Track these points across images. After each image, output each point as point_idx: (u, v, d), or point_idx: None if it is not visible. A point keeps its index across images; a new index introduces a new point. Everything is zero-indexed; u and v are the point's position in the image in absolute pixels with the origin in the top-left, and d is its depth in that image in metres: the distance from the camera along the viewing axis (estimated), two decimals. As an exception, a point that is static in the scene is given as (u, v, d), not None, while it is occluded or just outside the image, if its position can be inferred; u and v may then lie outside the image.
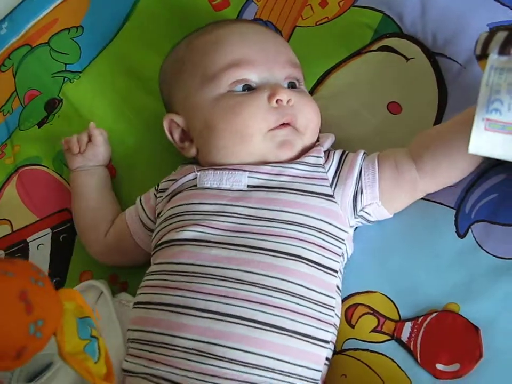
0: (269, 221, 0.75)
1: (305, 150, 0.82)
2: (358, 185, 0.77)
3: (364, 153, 0.80)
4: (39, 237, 1.02)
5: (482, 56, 0.65)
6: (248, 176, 0.78)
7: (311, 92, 0.93)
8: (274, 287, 0.71)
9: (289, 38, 0.98)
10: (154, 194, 0.87)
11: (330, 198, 0.77)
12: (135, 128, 1.03)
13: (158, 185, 0.88)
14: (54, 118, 1.08)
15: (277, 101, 0.79)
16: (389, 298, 0.80)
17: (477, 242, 0.78)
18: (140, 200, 0.89)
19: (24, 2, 1.19)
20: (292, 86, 0.84)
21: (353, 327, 0.80)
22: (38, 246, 1.01)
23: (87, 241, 0.95)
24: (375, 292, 0.81)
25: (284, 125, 0.79)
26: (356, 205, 0.78)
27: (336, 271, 0.77)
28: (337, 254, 0.77)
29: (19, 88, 1.13)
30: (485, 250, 0.77)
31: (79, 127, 1.04)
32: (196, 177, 0.81)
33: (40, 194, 1.05)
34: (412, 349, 0.76)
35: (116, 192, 1.00)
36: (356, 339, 0.80)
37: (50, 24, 1.15)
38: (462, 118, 0.75)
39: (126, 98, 1.05)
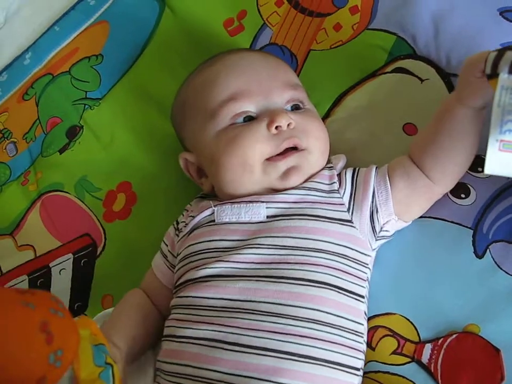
0: (292, 249, 0.75)
1: (317, 171, 0.82)
2: (373, 204, 0.77)
3: (376, 168, 0.80)
4: (61, 262, 1.03)
5: (493, 75, 0.65)
6: (266, 207, 0.78)
7: (327, 114, 0.94)
8: (302, 317, 0.71)
9: (304, 62, 0.98)
10: (176, 234, 0.87)
11: (349, 224, 0.77)
12: (154, 153, 1.04)
13: (177, 223, 0.88)
14: (75, 144, 1.10)
15: (276, 127, 0.79)
16: (409, 320, 0.80)
17: (495, 262, 0.77)
18: (165, 244, 0.89)
19: (47, 33, 1.21)
20: (296, 107, 0.84)
21: (373, 349, 0.80)
22: (60, 271, 1.02)
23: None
24: (394, 314, 0.80)
25: (286, 152, 0.79)
26: (374, 226, 0.77)
27: (363, 297, 0.76)
28: (363, 279, 0.77)
29: (41, 116, 1.15)
30: (504, 271, 0.77)
31: (99, 153, 1.07)
32: (213, 213, 0.81)
33: (62, 219, 1.07)
34: (432, 371, 0.76)
35: (139, 217, 1.02)
36: (377, 361, 0.80)
37: (71, 53, 1.17)
38: (443, 108, 0.78)
39: (145, 124, 1.06)
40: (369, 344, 0.80)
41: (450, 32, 0.89)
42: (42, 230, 1.06)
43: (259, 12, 1.04)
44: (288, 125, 0.79)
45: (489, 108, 0.63)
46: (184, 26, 1.09)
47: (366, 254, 0.78)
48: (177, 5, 1.11)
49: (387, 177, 0.78)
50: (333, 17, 0.98)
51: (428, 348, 0.78)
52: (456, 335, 0.76)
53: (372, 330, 0.80)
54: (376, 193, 0.78)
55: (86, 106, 1.12)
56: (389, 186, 0.78)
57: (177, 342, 0.76)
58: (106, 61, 1.13)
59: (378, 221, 0.77)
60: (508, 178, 0.75)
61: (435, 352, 0.77)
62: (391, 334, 0.80)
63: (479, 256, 0.78)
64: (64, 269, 1.02)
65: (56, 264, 1.03)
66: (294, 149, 0.80)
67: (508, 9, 0.87)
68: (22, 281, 1.04)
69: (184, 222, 0.85)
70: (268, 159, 0.79)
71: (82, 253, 1.02)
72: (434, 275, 0.80)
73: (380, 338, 0.80)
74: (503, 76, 0.63)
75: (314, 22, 1.00)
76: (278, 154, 0.79)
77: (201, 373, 0.71)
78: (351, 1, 0.98)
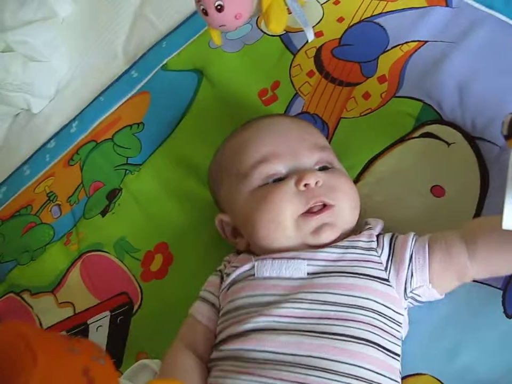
0: (333, 305, 0.75)
1: (349, 230, 0.83)
2: (409, 268, 0.77)
3: (414, 235, 0.81)
4: (99, 319, 1.04)
5: (509, 136, 0.68)
6: (307, 264, 0.79)
7: (357, 179, 0.96)
8: (345, 373, 0.71)
9: (335, 129, 1.01)
10: (221, 281, 0.87)
11: (386, 282, 0.78)
12: (190, 215, 1.06)
13: (221, 272, 0.88)
14: (115, 206, 1.13)
15: (305, 185, 0.81)
16: (440, 381, 0.79)
17: (525, 322, 0.77)
18: (209, 291, 0.88)
19: (92, 103, 1.29)
20: (324, 168, 0.86)
21: (405, 410, 0.79)
22: (97, 328, 1.04)
23: None
24: (424, 375, 0.80)
25: (317, 211, 0.81)
26: (406, 288, 0.78)
27: (398, 355, 0.76)
28: (398, 338, 0.77)
29: (85, 180, 1.20)
30: (534, 330, 0.76)
31: (138, 215, 1.10)
32: (253, 267, 0.82)
33: (101, 278, 1.09)
34: (464, 433, 0.75)
35: (175, 277, 1.03)
36: (409, 422, 0.78)
37: (114, 122, 1.23)
38: None
39: (182, 188, 1.09)
40: (400, 406, 0.79)
41: (474, 98, 0.92)
42: (82, 288, 1.09)
43: (292, 82, 1.09)
44: (316, 182, 0.82)
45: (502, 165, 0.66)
46: (221, 96, 1.14)
47: (399, 313, 0.78)
48: (214, 76, 1.17)
49: (427, 246, 0.78)
50: (362, 86, 1.03)
51: (459, 409, 0.76)
52: (488, 397, 0.75)
53: (403, 391, 0.80)
54: (413, 258, 0.78)
55: (127, 171, 1.16)
56: (427, 254, 0.77)
57: None
58: (147, 129, 1.19)
59: (411, 284, 0.77)
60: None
61: (466, 414, 0.76)
62: (422, 395, 0.79)
63: (509, 316, 0.78)
64: (101, 326, 1.04)
65: (94, 321, 1.05)
66: (323, 206, 0.82)
67: (528, 74, 0.90)
68: (61, 338, 1.06)
69: (227, 273, 0.86)
70: (300, 215, 0.81)
71: (119, 311, 1.04)
72: (464, 336, 0.80)
73: (412, 399, 0.79)
74: None
75: (344, 91, 1.04)
76: (310, 212, 0.81)
77: None
78: (379, 70, 1.02)
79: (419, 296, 0.79)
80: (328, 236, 0.81)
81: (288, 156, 0.85)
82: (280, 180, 0.84)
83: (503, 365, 0.76)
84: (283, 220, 0.81)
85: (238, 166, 0.88)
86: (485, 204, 0.86)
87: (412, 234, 0.81)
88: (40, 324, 1.10)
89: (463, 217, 0.86)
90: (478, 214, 0.86)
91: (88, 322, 1.05)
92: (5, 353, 0.52)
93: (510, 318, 0.78)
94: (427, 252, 0.78)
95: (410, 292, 0.78)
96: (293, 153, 0.85)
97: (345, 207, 0.83)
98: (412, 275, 0.77)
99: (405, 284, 0.77)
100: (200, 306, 0.87)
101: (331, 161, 0.88)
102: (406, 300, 0.79)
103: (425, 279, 0.77)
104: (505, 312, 0.78)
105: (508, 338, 0.77)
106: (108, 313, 1.04)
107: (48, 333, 0.59)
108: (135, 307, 1.04)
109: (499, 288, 0.80)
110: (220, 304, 0.85)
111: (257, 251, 0.86)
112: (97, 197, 1.17)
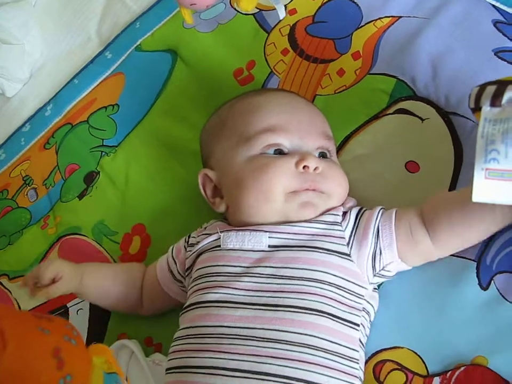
0: (289, 278, 0.77)
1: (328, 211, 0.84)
2: (376, 245, 0.79)
3: (381, 209, 0.82)
4: (79, 302, 1.05)
5: (476, 108, 0.68)
6: (269, 237, 0.80)
7: (332, 157, 0.97)
8: (298, 342, 0.73)
9: (310, 106, 1.02)
10: (185, 247, 0.91)
11: (346, 257, 0.79)
12: (168, 197, 1.06)
13: (189, 238, 0.91)
14: (93, 189, 1.13)
15: (304, 167, 0.82)
16: (416, 354, 0.80)
17: (500, 293, 0.78)
18: (172, 251, 0.93)
19: (67, 86, 1.28)
20: (322, 156, 0.87)
21: (381, 383, 0.80)
22: (78, 311, 1.04)
23: (130, 309, 0.98)
24: (402, 348, 0.81)
25: (307, 189, 0.82)
26: (375, 265, 0.79)
27: (358, 325, 0.77)
28: (358, 309, 0.78)
29: (60, 163, 1.19)
30: (509, 302, 0.77)
31: (115, 197, 1.10)
32: (220, 238, 0.83)
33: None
34: (442, 404, 0.76)
35: (154, 259, 1.01)
36: (386, 395, 0.80)
37: (89, 104, 1.22)
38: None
39: (158, 168, 1.10)
40: (377, 379, 0.80)
41: (448, 74, 0.92)
42: (60, 272, 1.09)
43: (266, 61, 1.09)
44: (315, 168, 0.82)
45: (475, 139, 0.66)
46: (196, 77, 1.14)
47: (362, 287, 0.79)
48: (189, 57, 1.16)
49: (393, 224, 0.79)
50: (336, 63, 1.03)
51: (436, 381, 0.78)
52: (464, 367, 0.77)
53: (380, 364, 0.81)
54: (380, 235, 0.79)
55: (103, 153, 1.16)
56: (394, 233, 0.78)
57: (178, 373, 0.77)
58: (122, 110, 1.18)
59: (380, 261, 0.79)
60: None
61: (444, 385, 0.77)
62: (399, 367, 0.80)
63: (484, 288, 0.79)
64: (81, 309, 1.04)
65: (74, 304, 1.05)
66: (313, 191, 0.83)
67: (502, 49, 0.90)
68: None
69: (194, 238, 0.89)
70: (291, 192, 0.82)
71: (99, 293, 1.03)
72: (440, 307, 0.81)
73: (388, 373, 0.80)
74: (486, 109, 0.67)
75: (318, 68, 1.04)
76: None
77: None
78: (353, 47, 1.02)
79: (389, 271, 0.80)
80: (309, 213, 0.82)
81: (296, 133, 0.85)
82: (280, 153, 0.84)
83: (478, 336, 0.78)
84: (274, 194, 0.82)
85: (243, 128, 0.87)
86: (459, 178, 0.87)
87: (378, 209, 0.82)
88: (19, 308, 1.09)
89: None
90: (452, 188, 0.87)
91: (68, 305, 1.05)
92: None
93: (484, 290, 0.79)
94: (393, 230, 0.79)
95: (382, 269, 0.79)
96: (300, 132, 0.86)
97: (335, 197, 0.84)
98: (380, 252, 0.78)
99: (373, 261, 0.79)
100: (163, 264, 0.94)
101: (331, 151, 0.89)
102: (374, 276, 0.80)
103: (395, 255, 0.79)
104: (479, 283, 0.79)
105: (483, 309, 0.78)
106: (88, 296, 1.04)
107: (18, 312, 0.59)
108: (117, 290, 1.04)
109: (473, 260, 0.81)
110: (178, 263, 0.91)
111: (232, 217, 0.88)
112: (74, 179, 1.16)
